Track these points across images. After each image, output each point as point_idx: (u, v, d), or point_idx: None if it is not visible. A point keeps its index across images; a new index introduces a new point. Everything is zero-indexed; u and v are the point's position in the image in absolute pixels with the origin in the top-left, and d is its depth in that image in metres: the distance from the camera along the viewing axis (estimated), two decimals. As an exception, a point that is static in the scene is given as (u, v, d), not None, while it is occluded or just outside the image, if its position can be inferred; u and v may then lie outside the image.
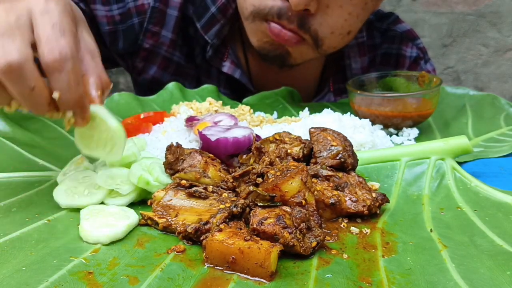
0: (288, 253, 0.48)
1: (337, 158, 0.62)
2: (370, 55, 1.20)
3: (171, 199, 0.55)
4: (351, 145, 0.65)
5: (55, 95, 0.51)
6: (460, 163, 0.73)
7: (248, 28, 1.01)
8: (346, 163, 0.62)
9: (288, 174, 0.53)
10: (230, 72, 1.12)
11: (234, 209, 0.52)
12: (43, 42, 0.49)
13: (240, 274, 0.45)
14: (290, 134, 0.67)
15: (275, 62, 1.03)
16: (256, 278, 0.45)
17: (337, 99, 1.17)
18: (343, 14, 0.92)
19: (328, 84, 1.20)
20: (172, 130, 0.79)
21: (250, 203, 0.53)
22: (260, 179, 0.57)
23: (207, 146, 0.66)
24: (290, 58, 1.01)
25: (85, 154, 0.61)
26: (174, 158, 0.62)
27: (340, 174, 0.61)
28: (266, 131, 0.79)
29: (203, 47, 1.11)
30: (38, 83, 0.50)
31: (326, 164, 0.62)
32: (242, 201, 0.53)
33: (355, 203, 0.57)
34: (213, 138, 0.66)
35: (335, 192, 0.57)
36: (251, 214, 0.50)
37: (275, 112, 0.98)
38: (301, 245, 0.48)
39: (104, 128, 0.56)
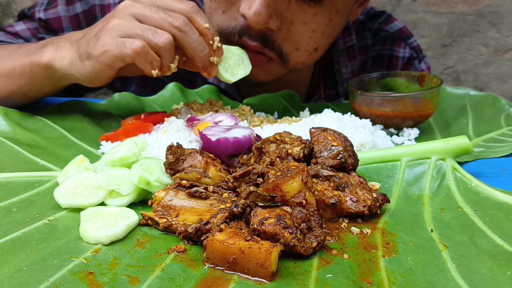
0: (289, 253, 0.48)
1: (338, 158, 0.62)
2: (361, 58, 1.19)
3: (172, 199, 0.55)
4: (351, 145, 0.65)
5: (206, 25, 0.78)
6: (460, 163, 0.73)
7: None
8: (346, 163, 0.62)
9: (289, 174, 0.53)
10: (216, 82, 1.11)
11: (235, 209, 0.52)
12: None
13: (241, 274, 0.45)
14: (290, 134, 0.67)
15: (245, 82, 1.03)
16: (257, 278, 0.45)
17: None
18: (308, 31, 0.91)
19: (319, 91, 1.19)
20: (173, 130, 0.79)
21: (251, 203, 0.53)
22: (260, 179, 0.57)
23: (208, 146, 0.66)
24: (258, 76, 0.98)
25: (231, 81, 0.84)
26: (174, 158, 0.62)
27: (341, 174, 0.61)
28: (266, 131, 0.79)
29: None
30: (199, 30, 0.78)
31: (326, 164, 0.62)
32: (242, 201, 0.53)
33: (355, 203, 0.57)
34: (213, 138, 0.66)
35: (335, 192, 0.57)
36: (251, 214, 0.50)
37: (275, 113, 0.98)
38: (301, 245, 0.48)
39: (231, 54, 0.84)
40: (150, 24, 0.75)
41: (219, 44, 0.80)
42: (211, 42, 0.79)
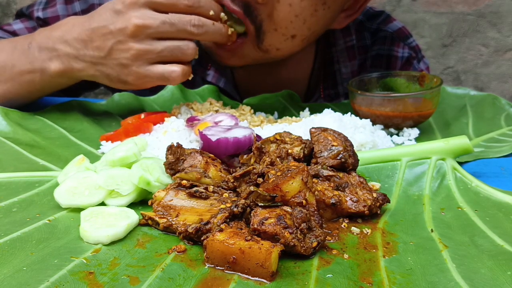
0: (289, 253, 0.48)
1: (338, 158, 0.62)
2: (361, 57, 1.19)
3: (172, 199, 0.56)
4: (351, 145, 0.65)
5: (211, 12, 0.83)
6: (460, 163, 0.73)
7: None
8: (346, 163, 0.62)
9: (289, 174, 0.53)
10: (215, 81, 1.11)
11: (235, 209, 0.52)
12: None
13: (241, 274, 0.45)
14: (290, 134, 0.67)
15: (213, 63, 1.04)
16: (257, 278, 0.45)
17: None
18: (290, 14, 0.89)
19: (319, 91, 1.19)
20: (173, 130, 0.79)
21: (251, 203, 0.53)
22: (260, 179, 0.57)
23: (208, 146, 0.66)
24: (227, 60, 0.98)
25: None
26: (174, 158, 0.62)
27: (341, 174, 0.61)
28: (266, 131, 0.79)
29: None
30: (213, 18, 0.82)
31: (326, 164, 0.62)
32: (242, 201, 0.53)
33: (355, 203, 0.57)
34: (213, 138, 0.66)
35: (335, 192, 0.57)
36: (251, 214, 0.50)
37: (275, 112, 0.98)
38: (301, 245, 0.48)
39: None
40: (170, 38, 0.79)
41: (225, 17, 0.86)
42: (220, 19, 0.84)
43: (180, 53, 0.80)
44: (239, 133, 0.67)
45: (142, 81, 0.81)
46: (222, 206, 0.53)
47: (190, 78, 0.84)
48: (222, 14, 0.85)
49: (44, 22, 1.08)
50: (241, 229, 0.49)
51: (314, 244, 0.49)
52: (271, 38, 0.93)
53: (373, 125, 0.84)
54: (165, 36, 0.79)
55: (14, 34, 1.08)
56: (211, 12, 0.82)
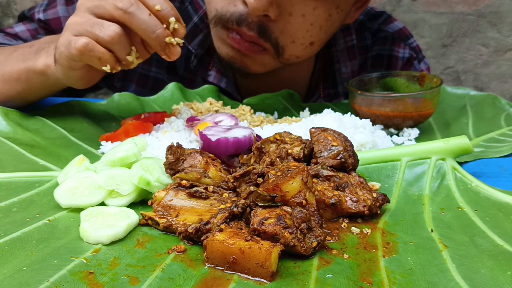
0: (289, 253, 0.48)
1: (338, 158, 0.62)
2: (361, 58, 1.19)
3: (172, 199, 0.56)
4: (351, 145, 0.65)
5: (158, 7, 0.71)
6: (460, 163, 0.73)
7: (212, 32, 1.00)
8: (346, 163, 0.62)
9: (289, 174, 0.53)
10: (216, 82, 1.11)
11: (235, 209, 0.52)
12: None
13: (241, 274, 0.45)
14: (290, 134, 0.67)
15: (237, 70, 1.02)
16: (257, 278, 0.45)
17: None
18: (305, 24, 0.90)
19: (319, 90, 1.20)
20: (173, 130, 0.79)
21: (251, 203, 0.53)
22: (260, 179, 0.57)
23: (208, 146, 0.66)
24: (250, 67, 0.99)
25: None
26: (174, 158, 0.62)
27: (341, 174, 0.61)
28: (266, 131, 0.79)
29: (187, 57, 1.11)
30: (151, 11, 0.71)
31: (326, 164, 0.62)
32: (242, 201, 0.53)
33: (355, 203, 0.57)
34: (213, 138, 0.66)
35: (335, 192, 0.57)
36: (251, 214, 0.50)
37: (275, 112, 0.98)
38: (301, 245, 0.48)
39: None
40: (99, 15, 0.72)
41: (176, 26, 0.73)
42: (168, 22, 0.73)
43: (98, 30, 0.70)
44: (239, 133, 0.67)
45: (58, 52, 0.75)
46: (222, 206, 0.53)
47: (110, 70, 0.74)
48: (172, 19, 0.73)
49: (46, 24, 1.08)
50: (241, 229, 0.49)
51: (314, 244, 0.49)
52: (290, 50, 0.94)
53: (373, 125, 0.84)
54: (98, 12, 0.72)
55: (16, 36, 1.08)
56: (157, 7, 0.72)
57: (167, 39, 0.72)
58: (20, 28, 1.08)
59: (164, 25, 0.72)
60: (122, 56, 0.74)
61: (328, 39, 1.00)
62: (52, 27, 1.08)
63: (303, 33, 0.92)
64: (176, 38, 0.74)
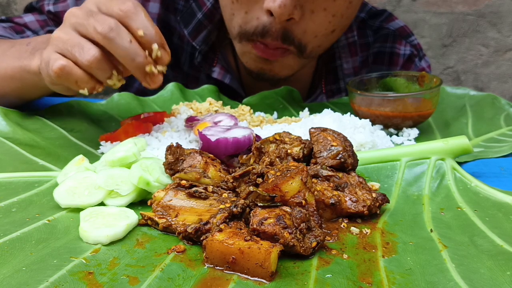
0: (288, 253, 0.48)
1: (337, 158, 0.62)
2: (363, 55, 1.20)
3: (171, 199, 0.56)
4: (351, 145, 0.65)
5: (140, 32, 0.67)
6: (460, 163, 0.73)
7: (237, 47, 1.01)
8: (346, 163, 0.62)
9: (288, 174, 0.53)
10: (220, 78, 1.11)
11: (234, 209, 0.52)
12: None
13: (240, 274, 0.45)
14: (290, 134, 0.67)
15: (267, 80, 1.03)
16: (256, 278, 0.45)
17: (329, 101, 1.17)
18: (327, 17, 0.91)
19: (321, 86, 1.20)
20: (172, 130, 0.79)
21: (250, 203, 0.53)
22: (260, 179, 0.57)
23: (207, 146, 0.66)
24: (280, 73, 1.00)
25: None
26: (174, 159, 0.62)
27: (340, 174, 0.61)
28: (266, 131, 0.79)
29: (191, 54, 1.11)
30: (134, 35, 0.67)
31: (326, 164, 0.62)
32: (242, 201, 0.53)
33: (355, 203, 0.57)
34: (213, 138, 0.66)
35: (335, 192, 0.57)
36: (251, 214, 0.50)
37: (275, 112, 0.98)
38: (301, 245, 0.48)
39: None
40: (82, 34, 0.69)
41: (159, 53, 0.69)
42: (150, 49, 0.69)
43: (77, 52, 0.67)
44: (238, 133, 0.67)
45: (40, 66, 0.72)
46: (222, 206, 0.53)
47: (87, 93, 0.71)
48: (155, 46, 0.68)
49: (55, 16, 1.08)
50: (241, 229, 0.49)
51: (314, 244, 0.49)
52: (312, 44, 0.95)
53: (372, 125, 0.84)
54: (82, 30, 0.69)
55: (25, 26, 1.07)
56: (140, 32, 0.67)
57: (147, 68, 0.68)
58: (29, 18, 1.08)
59: (147, 52, 0.68)
60: (102, 79, 0.70)
61: (350, 23, 1.00)
62: (62, 20, 1.08)
63: (326, 25, 0.92)
64: (158, 66, 0.70)
